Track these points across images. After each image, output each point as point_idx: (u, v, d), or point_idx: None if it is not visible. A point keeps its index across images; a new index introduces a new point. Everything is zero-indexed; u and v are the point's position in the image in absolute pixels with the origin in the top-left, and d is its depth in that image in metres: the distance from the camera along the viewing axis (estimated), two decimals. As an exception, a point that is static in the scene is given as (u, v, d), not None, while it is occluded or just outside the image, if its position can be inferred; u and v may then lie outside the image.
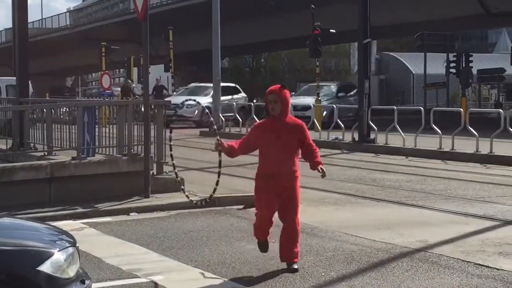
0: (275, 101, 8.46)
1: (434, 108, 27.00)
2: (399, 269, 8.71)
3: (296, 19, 45.40)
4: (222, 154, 9.07)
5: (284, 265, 8.67)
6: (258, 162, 8.65)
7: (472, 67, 40.53)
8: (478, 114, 36.43)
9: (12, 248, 5.47)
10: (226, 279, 8.36)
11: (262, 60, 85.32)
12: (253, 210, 8.73)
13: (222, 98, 34.17)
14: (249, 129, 9.17)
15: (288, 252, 8.62)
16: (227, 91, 38.17)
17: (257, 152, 8.64)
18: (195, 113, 36.16)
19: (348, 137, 25.77)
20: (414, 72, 61.24)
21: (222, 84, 37.60)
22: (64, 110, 17.51)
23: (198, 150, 25.19)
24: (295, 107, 31.52)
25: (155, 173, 14.37)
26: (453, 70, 39.74)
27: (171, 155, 12.12)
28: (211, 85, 35.50)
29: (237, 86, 42.09)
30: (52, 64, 76.88)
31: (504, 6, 37.33)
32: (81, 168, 13.75)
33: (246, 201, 13.48)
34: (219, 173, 10.68)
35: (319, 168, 8.57)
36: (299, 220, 8.71)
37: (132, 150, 14.48)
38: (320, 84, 35.67)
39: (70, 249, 5.73)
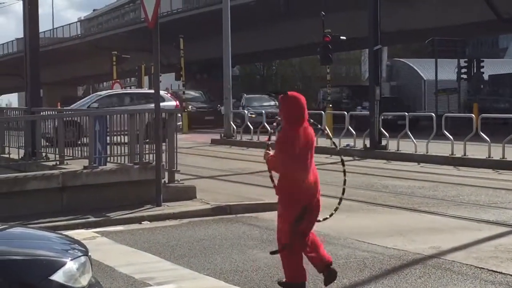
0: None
1: (445, 114, 26.94)
2: (412, 276, 8.68)
3: (306, 26, 45.37)
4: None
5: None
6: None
7: (483, 72, 40.42)
8: (490, 119, 36.24)
9: (24, 257, 5.46)
10: (239, 287, 8.35)
11: (273, 67, 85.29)
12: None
13: None
14: None
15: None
16: None
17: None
18: None
19: (359, 143, 25.74)
20: (425, 78, 61.02)
21: None
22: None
23: (210, 158, 25.23)
24: None
25: (166, 181, 14.37)
26: (465, 76, 39.65)
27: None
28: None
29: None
30: (64, 74, 77.16)
31: (515, 11, 37.22)
32: (93, 177, 13.78)
33: (258, 208, 13.52)
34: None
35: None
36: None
37: (143, 159, 14.49)
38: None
39: (83, 258, 5.72)
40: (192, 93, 49.67)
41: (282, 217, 7.88)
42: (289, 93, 7.91)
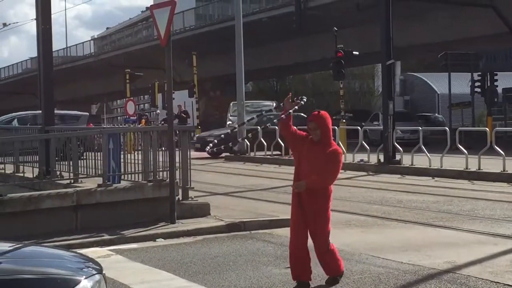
0: (314, 128, 8.48)
1: (459, 128, 26.87)
2: (427, 291, 8.64)
3: (319, 41, 45.47)
4: None
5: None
6: None
7: (497, 86, 40.31)
8: (504, 133, 36.16)
9: (38, 276, 5.45)
10: (253, 304, 8.34)
11: (287, 83, 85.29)
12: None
13: None
14: None
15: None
16: None
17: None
18: None
19: (373, 158, 25.69)
20: (438, 92, 61.00)
21: None
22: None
23: (223, 175, 25.22)
24: None
25: (180, 198, 14.38)
26: (478, 90, 39.56)
27: None
28: None
29: None
30: (77, 92, 77.56)
31: (528, 24, 37.18)
32: (107, 195, 13.80)
33: (272, 225, 13.50)
34: None
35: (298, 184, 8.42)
36: (323, 239, 8.54)
37: (157, 176, 14.51)
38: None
39: (97, 276, 5.71)
40: None
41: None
42: (321, 112, 8.66)
